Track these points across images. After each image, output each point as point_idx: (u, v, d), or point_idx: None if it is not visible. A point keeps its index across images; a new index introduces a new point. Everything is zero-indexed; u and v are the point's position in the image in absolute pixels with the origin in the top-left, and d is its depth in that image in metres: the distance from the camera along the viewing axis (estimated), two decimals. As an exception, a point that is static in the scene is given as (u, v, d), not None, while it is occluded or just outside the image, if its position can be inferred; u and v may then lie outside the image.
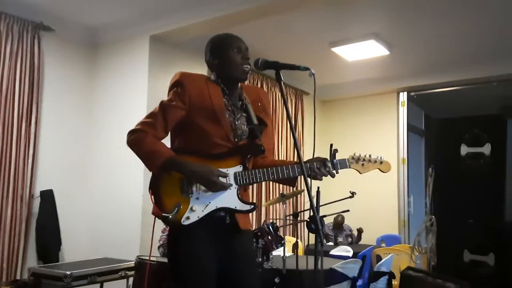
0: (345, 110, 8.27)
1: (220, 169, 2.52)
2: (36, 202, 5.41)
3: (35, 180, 5.41)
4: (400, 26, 6.09)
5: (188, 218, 2.45)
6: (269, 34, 6.15)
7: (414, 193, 8.34)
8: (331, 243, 7.23)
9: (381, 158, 2.73)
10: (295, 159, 2.71)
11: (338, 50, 6.70)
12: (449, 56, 7.09)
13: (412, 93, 8.32)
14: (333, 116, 8.57)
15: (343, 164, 2.65)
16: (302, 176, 2.32)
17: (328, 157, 2.63)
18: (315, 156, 2.59)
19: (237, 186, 2.55)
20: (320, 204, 4.37)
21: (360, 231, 7.56)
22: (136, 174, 5.56)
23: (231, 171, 2.55)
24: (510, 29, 6.05)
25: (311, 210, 2.11)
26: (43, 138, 5.52)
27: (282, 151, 7.63)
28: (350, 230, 7.66)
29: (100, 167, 6.06)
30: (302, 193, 6.25)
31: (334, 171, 2.60)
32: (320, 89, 8.67)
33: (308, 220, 2.12)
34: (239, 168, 2.57)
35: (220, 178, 2.48)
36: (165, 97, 5.78)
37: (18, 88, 5.27)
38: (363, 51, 6.76)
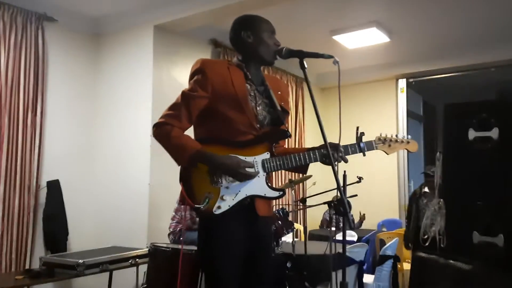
0: (344, 97, 8.10)
1: (248, 157, 2.55)
2: (43, 193, 5.43)
3: (42, 170, 5.44)
4: (401, 13, 6.12)
5: (219, 207, 2.48)
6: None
7: (413, 178, 8.43)
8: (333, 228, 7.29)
9: (408, 138, 2.81)
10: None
11: (339, 38, 6.73)
12: (447, 42, 7.15)
13: (411, 80, 8.39)
14: (332, 103, 8.55)
15: (370, 146, 2.73)
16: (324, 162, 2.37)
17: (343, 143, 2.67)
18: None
19: (265, 174, 2.58)
20: (326, 190, 4.45)
21: (362, 218, 7.62)
22: (142, 163, 5.60)
23: (259, 158, 2.58)
24: (507, 15, 6.10)
25: (339, 193, 2.16)
26: (48, 129, 5.54)
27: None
28: (352, 216, 7.73)
29: (105, 156, 6.08)
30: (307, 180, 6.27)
31: (360, 152, 2.69)
32: (319, 76, 8.69)
33: (336, 202, 2.17)
34: (266, 155, 2.60)
35: (247, 168, 2.52)
36: (169, 87, 5.83)
37: (23, 79, 5.27)
38: (364, 39, 6.79)
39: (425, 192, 6.25)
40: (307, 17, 6.13)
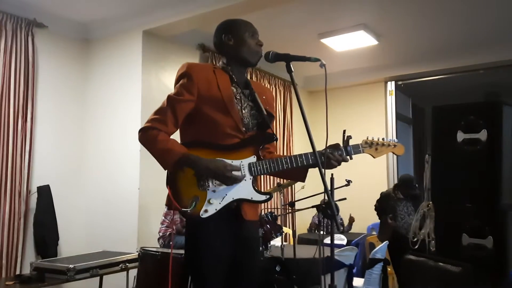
0: (333, 100, 8.20)
1: (235, 161, 2.56)
2: (34, 198, 5.43)
3: (32, 175, 5.44)
4: (389, 16, 6.16)
5: (206, 211, 2.48)
6: (259, 27, 6.16)
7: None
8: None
9: (394, 141, 2.80)
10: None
11: (327, 41, 6.76)
12: (435, 45, 7.19)
13: (400, 82, 8.43)
14: (320, 106, 8.52)
15: (357, 149, 2.70)
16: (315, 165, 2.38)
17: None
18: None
19: (251, 177, 2.59)
20: (314, 194, 4.48)
21: (351, 220, 7.63)
22: (132, 168, 5.60)
23: (246, 162, 2.58)
24: (495, 18, 6.16)
25: (326, 196, 2.18)
26: (39, 134, 5.56)
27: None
28: (341, 219, 7.75)
29: (96, 161, 6.08)
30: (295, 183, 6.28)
31: (348, 157, 2.65)
32: (307, 79, 8.71)
33: (324, 205, 2.18)
34: (253, 159, 2.59)
35: (233, 171, 2.52)
36: (158, 91, 5.84)
37: (13, 85, 5.28)
38: (352, 42, 6.82)
39: (400, 198, 6.26)
40: (295, 20, 6.16)
